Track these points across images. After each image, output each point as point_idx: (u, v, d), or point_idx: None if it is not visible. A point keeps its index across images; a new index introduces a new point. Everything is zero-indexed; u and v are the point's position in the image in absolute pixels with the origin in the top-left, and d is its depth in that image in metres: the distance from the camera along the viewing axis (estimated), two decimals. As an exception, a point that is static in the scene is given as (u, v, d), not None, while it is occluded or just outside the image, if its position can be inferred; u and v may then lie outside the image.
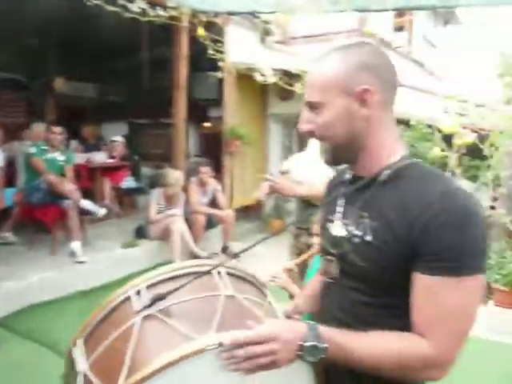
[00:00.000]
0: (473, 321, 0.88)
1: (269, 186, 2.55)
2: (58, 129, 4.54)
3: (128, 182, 5.88)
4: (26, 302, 3.50)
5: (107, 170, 5.78)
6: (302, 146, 3.62)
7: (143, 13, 4.16)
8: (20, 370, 2.69)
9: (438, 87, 7.92)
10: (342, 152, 0.98)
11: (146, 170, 6.70)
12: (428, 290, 0.86)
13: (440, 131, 5.06)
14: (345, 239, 0.97)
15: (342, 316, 0.98)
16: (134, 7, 4.06)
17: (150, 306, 0.90)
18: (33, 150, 4.40)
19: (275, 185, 2.51)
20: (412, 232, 0.85)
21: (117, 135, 6.67)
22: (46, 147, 4.48)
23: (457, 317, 0.86)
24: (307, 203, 2.63)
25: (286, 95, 6.05)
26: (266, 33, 5.93)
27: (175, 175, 4.60)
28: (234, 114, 5.71)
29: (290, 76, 5.07)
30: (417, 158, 3.96)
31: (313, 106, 0.96)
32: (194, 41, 5.05)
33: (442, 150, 5.20)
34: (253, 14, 4.49)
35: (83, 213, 4.43)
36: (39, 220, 4.39)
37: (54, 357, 2.83)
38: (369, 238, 0.91)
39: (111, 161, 5.89)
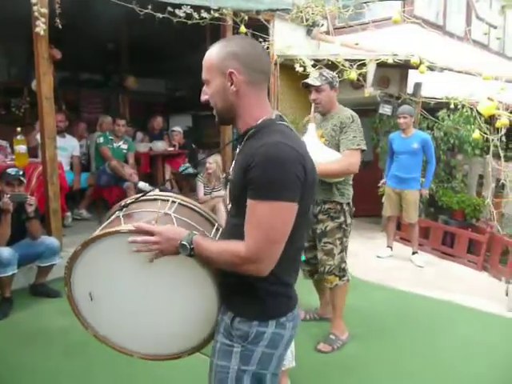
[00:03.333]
0: (279, 235, 1.19)
1: None
2: (121, 121, 5.29)
3: (186, 168, 6.54)
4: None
5: (167, 158, 6.50)
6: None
7: (189, 17, 4.71)
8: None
9: (504, 68, 7.61)
10: (223, 116, 1.33)
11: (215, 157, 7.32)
12: (249, 209, 1.19)
13: (480, 114, 5.05)
14: (229, 180, 1.38)
15: (226, 236, 1.36)
16: (181, 12, 4.63)
17: (120, 210, 1.45)
18: (101, 139, 5.19)
19: None
20: (245, 171, 1.18)
21: (181, 126, 7.38)
22: (111, 137, 5.25)
23: (262, 228, 1.17)
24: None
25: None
26: (312, 25, 6.20)
27: (214, 158, 5.14)
28: (280, 103, 6.09)
29: (331, 66, 5.35)
30: (460, 140, 4.28)
31: (205, 82, 1.32)
32: (240, 38, 5.50)
33: (485, 133, 5.18)
34: (290, 10, 4.82)
35: (141, 193, 5.12)
36: (106, 199, 5.19)
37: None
38: (232, 177, 1.32)
39: (171, 149, 6.59)
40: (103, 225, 1.42)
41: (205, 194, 5.25)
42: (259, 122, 1.28)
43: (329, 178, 2.82)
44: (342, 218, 2.90)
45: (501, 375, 2.89)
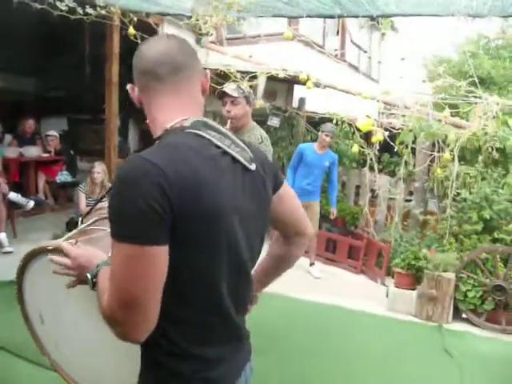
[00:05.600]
0: (133, 289, 0.86)
1: None
2: (-16, 123, 4.60)
3: (63, 176, 5.96)
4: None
5: (41, 164, 5.84)
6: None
7: (72, 11, 4.30)
8: None
9: (372, 89, 8.46)
10: None
11: (84, 165, 6.77)
12: None
13: (358, 130, 5.51)
14: None
15: None
16: (63, 5, 4.20)
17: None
18: (-41, 143, 4.46)
19: None
20: None
21: (56, 130, 6.72)
22: (-27, 141, 4.54)
23: (113, 277, 0.89)
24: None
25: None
26: (202, 33, 6.14)
27: (101, 167, 4.78)
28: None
29: (222, 76, 5.35)
30: (339, 154, 4.32)
31: None
32: (129, 40, 5.18)
33: (362, 147, 5.66)
34: (185, 16, 4.70)
35: (11, 205, 4.52)
36: (-33, 212, 4.44)
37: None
38: None
39: (45, 155, 5.95)
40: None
41: (87, 206, 4.81)
42: (158, 134, 1.02)
43: None
44: None
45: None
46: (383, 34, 6.02)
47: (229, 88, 2.73)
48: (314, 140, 6.07)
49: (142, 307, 0.87)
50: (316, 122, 6.02)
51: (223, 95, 2.72)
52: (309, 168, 5.02)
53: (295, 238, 1.24)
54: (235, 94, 2.68)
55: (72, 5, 4.26)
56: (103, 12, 4.53)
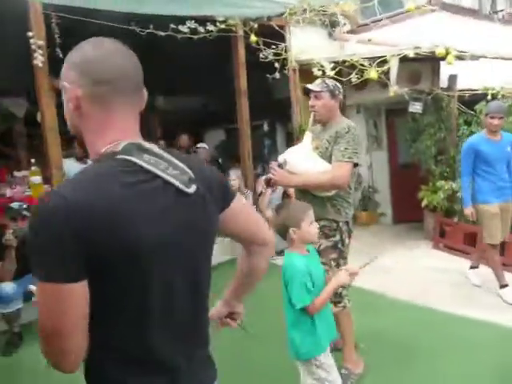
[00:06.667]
0: (48, 324, 0.86)
1: (265, 179, 2.72)
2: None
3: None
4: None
5: (194, 175, 6.38)
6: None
7: (194, 31, 4.58)
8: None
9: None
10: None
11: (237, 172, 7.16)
12: None
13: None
14: None
15: None
16: (185, 28, 4.51)
17: None
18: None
19: (272, 176, 2.59)
20: None
21: (215, 141, 7.26)
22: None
23: (38, 312, 0.88)
24: (304, 193, 2.68)
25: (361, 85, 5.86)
26: (333, 25, 5.87)
27: (235, 174, 4.98)
28: (301, 112, 5.80)
29: (348, 66, 5.01)
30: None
31: None
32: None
33: (531, 125, 4.58)
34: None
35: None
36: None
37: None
38: None
39: (197, 166, 6.47)
40: None
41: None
42: (95, 158, 0.97)
43: (317, 192, 2.58)
44: (338, 237, 2.61)
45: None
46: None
47: (312, 84, 2.74)
48: (467, 122, 5.18)
49: (64, 339, 0.87)
50: (469, 101, 5.11)
51: (308, 90, 2.73)
52: (489, 163, 3.95)
53: (255, 249, 1.23)
54: (317, 89, 2.68)
55: (193, 26, 4.55)
56: (223, 26, 4.71)
